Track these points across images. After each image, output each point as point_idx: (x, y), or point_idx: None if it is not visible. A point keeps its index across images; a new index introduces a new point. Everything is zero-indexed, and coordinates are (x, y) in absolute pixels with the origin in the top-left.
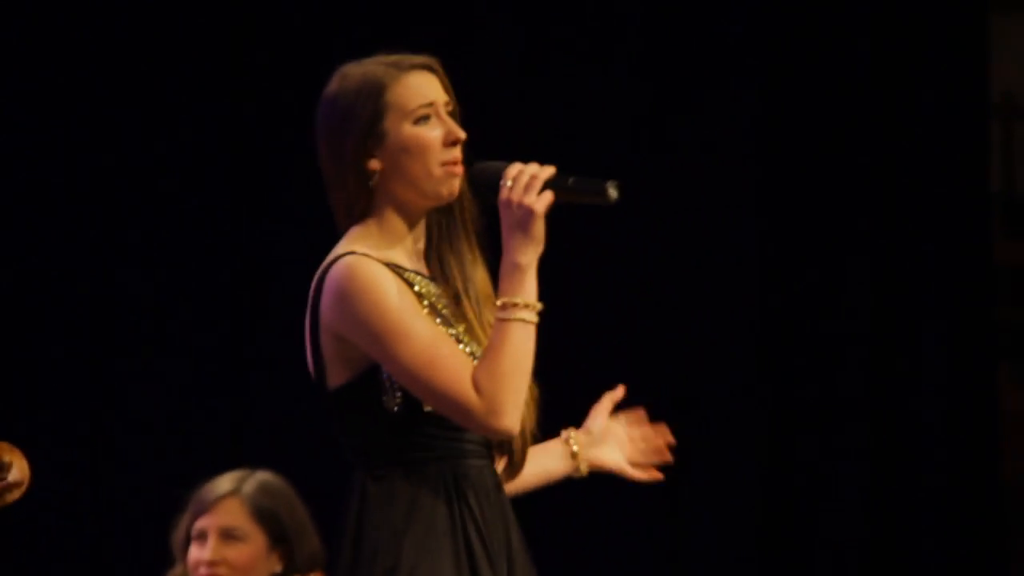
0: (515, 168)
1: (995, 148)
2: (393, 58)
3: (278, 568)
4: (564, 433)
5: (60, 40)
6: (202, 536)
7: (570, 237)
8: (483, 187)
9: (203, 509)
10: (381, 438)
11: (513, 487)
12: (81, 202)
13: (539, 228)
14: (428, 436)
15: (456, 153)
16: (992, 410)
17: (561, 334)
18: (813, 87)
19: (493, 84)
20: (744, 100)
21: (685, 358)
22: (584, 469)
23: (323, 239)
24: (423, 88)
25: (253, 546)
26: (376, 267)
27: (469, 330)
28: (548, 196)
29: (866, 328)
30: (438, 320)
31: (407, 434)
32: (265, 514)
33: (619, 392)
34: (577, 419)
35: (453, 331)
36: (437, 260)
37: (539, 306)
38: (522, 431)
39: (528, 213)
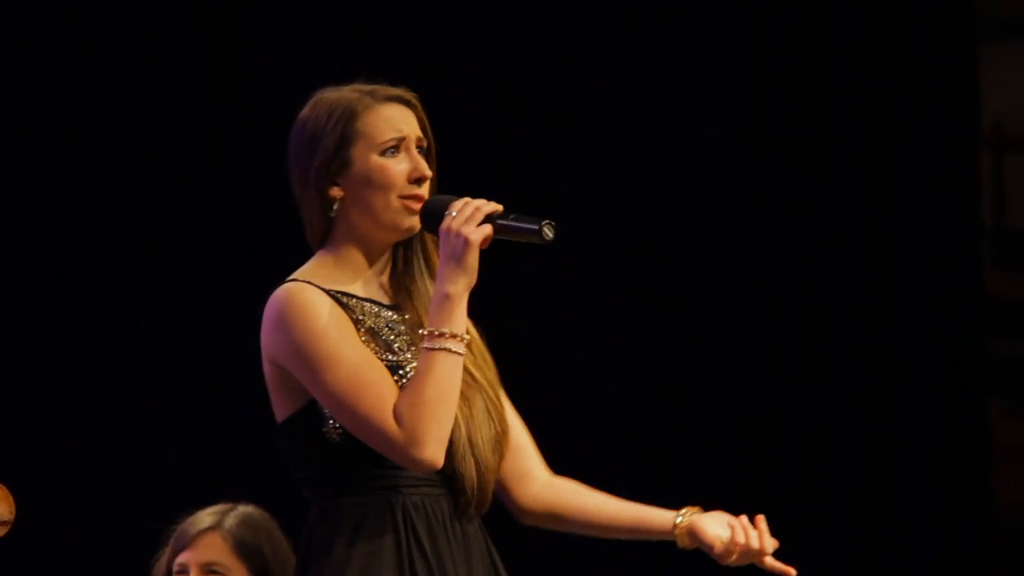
0: (461, 201)
1: (985, 179)
2: (370, 87)
3: None
4: (684, 516)
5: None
6: (183, 571)
7: (555, 251)
8: (430, 218)
9: (184, 544)
10: (326, 468)
11: (596, 526)
12: (54, 229)
13: (472, 258)
14: (372, 465)
15: (419, 190)
16: (982, 444)
17: (545, 348)
18: (801, 115)
19: (474, 92)
20: (731, 125)
21: (669, 375)
22: (683, 534)
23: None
24: (395, 120)
25: None
26: (310, 293)
27: None
28: (486, 229)
29: (853, 361)
30: (380, 349)
31: (351, 465)
32: (247, 549)
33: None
34: (560, 427)
35: (397, 359)
36: (405, 291)
37: (467, 337)
38: (482, 468)
39: (463, 242)
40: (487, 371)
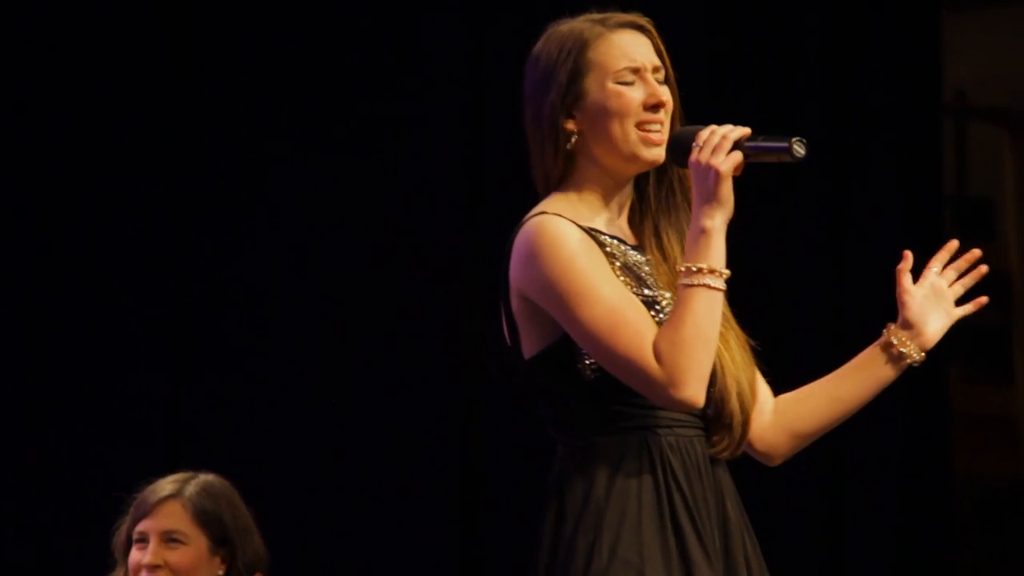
0: (707, 130)
1: (948, 148)
2: (602, 15)
3: (220, 571)
4: (885, 333)
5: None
6: (143, 539)
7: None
8: (677, 152)
9: (144, 512)
10: (579, 407)
11: (829, 413)
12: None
13: (725, 190)
14: (629, 404)
15: (657, 116)
16: (944, 410)
17: None
18: (763, 84)
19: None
20: None
21: None
22: (920, 357)
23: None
24: (628, 48)
25: (195, 549)
26: (564, 225)
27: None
28: (736, 156)
29: (816, 327)
30: (634, 284)
31: (606, 403)
32: (207, 517)
33: (908, 261)
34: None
35: (653, 294)
36: (653, 229)
37: (726, 272)
38: (745, 409)
39: (714, 174)
40: (727, 311)
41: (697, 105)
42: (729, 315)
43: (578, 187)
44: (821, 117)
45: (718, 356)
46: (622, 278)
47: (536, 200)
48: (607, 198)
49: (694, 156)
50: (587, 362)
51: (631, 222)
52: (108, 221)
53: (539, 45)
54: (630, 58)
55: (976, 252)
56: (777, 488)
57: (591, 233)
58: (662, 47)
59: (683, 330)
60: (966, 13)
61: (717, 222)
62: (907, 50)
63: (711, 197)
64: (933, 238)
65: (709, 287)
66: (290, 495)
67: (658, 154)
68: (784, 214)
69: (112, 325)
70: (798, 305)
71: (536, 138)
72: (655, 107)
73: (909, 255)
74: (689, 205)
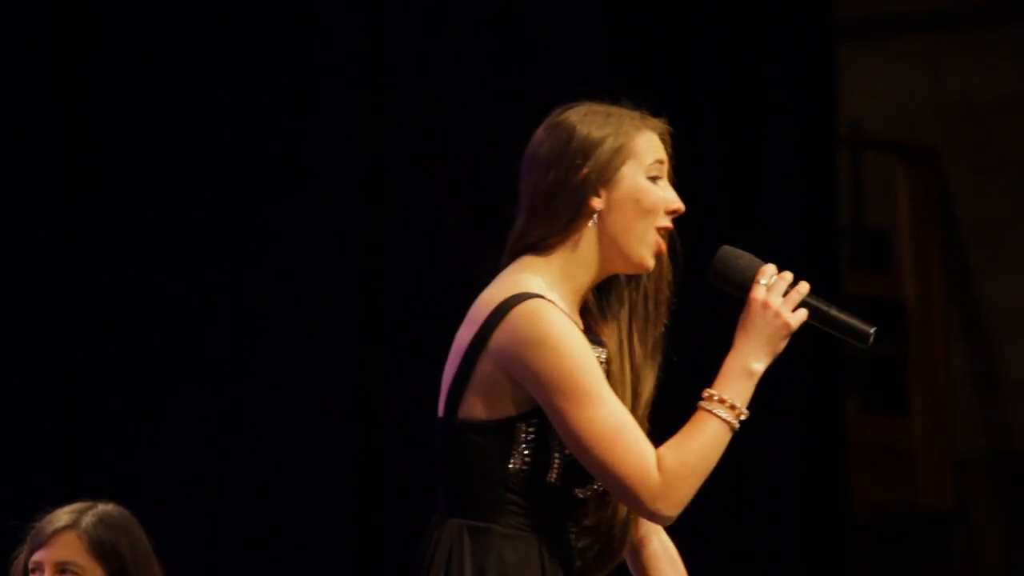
0: (772, 268)
1: (844, 178)
2: (638, 112)
3: None
4: None
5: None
6: (38, 570)
7: None
8: (728, 273)
9: (40, 542)
10: (489, 490)
11: None
12: None
13: (784, 343)
14: (537, 505)
15: (669, 224)
16: (841, 441)
17: None
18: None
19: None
20: None
21: None
22: None
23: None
24: (660, 149)
25: None
26: (565, 320)
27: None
28: (803, 314)
29: (715, 357)
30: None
31: (519, 497)
32: (103, 548)
33: None
34: None
35: None
36: (620, 329)
37: (747, 414)
38: (626, 523)
39: (783, 326)
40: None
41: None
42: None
43: (563, 264)
44: (717, 147)
45: None
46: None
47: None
48: (585, 286)
49: (760, 294)
50: (525, 455)
51: (585, 317)
52: None
53: (575, 116)
54: (661, 160)
55: None
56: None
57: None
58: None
59: (692, 453)
60: (861, 45)
61: (763, 367)
62: (803, 82)
63: (771, 345)
64: (830, 268)
65: (729, 424)
66: (191, 522)
67: (652, 266)
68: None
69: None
70: (697, 338)
71: (549, 202)
72: (673, 213)
73: None
74: (658, 315)
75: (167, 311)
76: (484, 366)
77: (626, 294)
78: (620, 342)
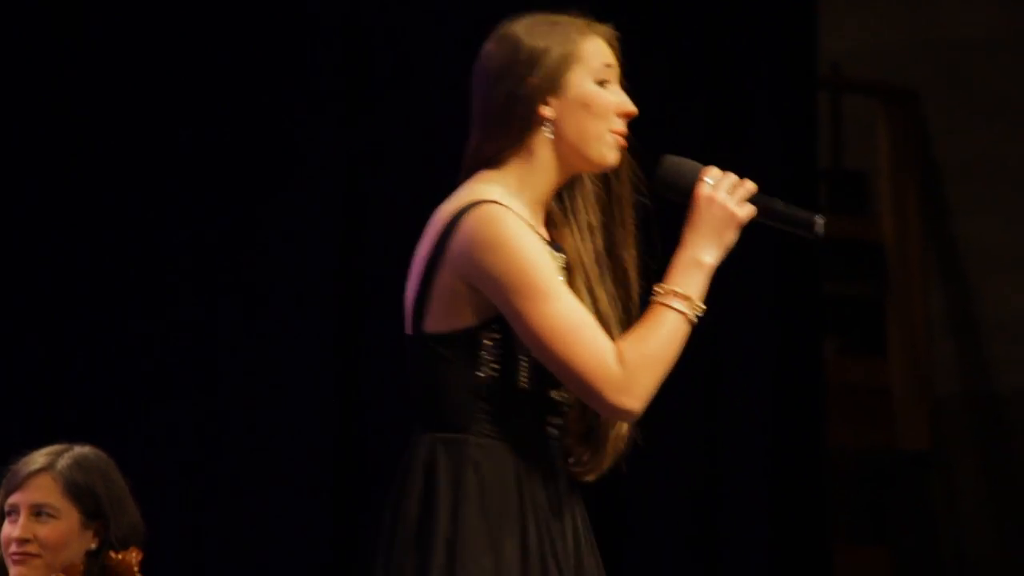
0: (716, 170)
1: (823, 120)
2: (583, 19)
3: (93, 544)
4: None
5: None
6: (14, 512)
7: None
8: (671, 179)
9: (15, 485)
10: (461, 401)
11: None
12: None
13: (732, 235)
14: (510, 412)
15: (624, 127)
16: (819, 382)
17: None
18: (638, 58)
19: None
20: None
21: None
22: None
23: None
24: (611, 56)
25: (65, 523)
26: (515, 219)
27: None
28: (751, 209)
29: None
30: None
31: (490, 405)
32: (78, 490)
33: None
34: None
35: None
36: (574, 228)
37: (703, 308)
38: (624, 436)
39: (730, 217)
40: None
41: None
42: None
43: (523, 175)
44: (696, 90)
45: None
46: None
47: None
48: (546, 192)
49: (706, 191)
50: (492, 364)
51: (547, 219)
52: None
53: (520, 28)
54: (610, 63)
55: None
56: (651, 458)
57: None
58: (622, 62)
59: (651, 344)
60: None
61: (714, 260)
62: (783, 23)
63: (719, 237)
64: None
65: (685, 316)
66: (170, 467)
67: (618, 159)
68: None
69: None
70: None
71: (499, 115)
72: (626, 116)
73: None
74: (624, 217)
75: (152, 306)
76: (443, 277)
77: (593, 198)
78: (580, 247)
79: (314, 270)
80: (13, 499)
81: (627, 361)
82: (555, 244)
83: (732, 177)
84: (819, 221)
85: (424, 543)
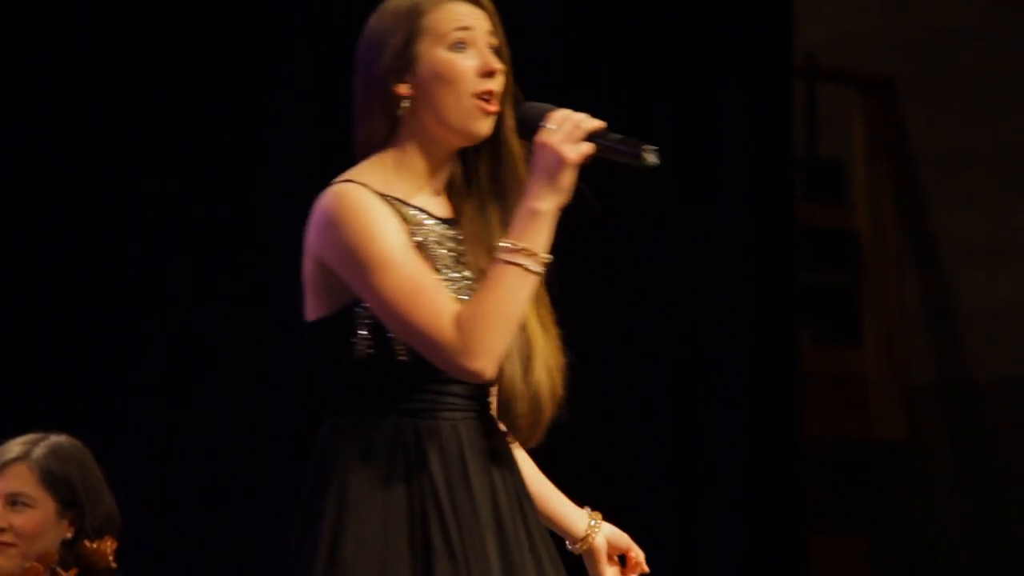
0: (561, 113)
1: (798, 109)
2: None
3: (68, 534)
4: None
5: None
6: None
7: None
8: (524, 126)
9: None
10: (346, 382)
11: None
12: None
13: (567, 178)
14: (395, 387)
15: (491, 86)
16: (794, 372)
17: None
18: (613, 47)
19: None
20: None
21: None
22: (585, 549)
23: None
24: (463, 16)
25: (41, 512)
26: (366, 195)
27: (480, 279)
28: (586, 147)
29: (668, 287)
30: (433, 260)
31: (372, 382)
32: (54, 479)
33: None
34: None
35: (454, 274)
36: (477, 206)
37: (547, 258)
38: (538, 397)
39: (559, 160)
40: (542, 303)
41: (547, 69)
42: (544, 305)
43: (398, 155)
44: (671, 78)
45: (531, 342)
46: (423, 254)
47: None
48: (427, 168)
49: (542, 136)
50: (363, 335)
51: (452, 195)
52: None
53: (374, 15)
54: (464, 25)
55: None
56: (628, 448)
57: (394, 203)
58: (498, 22)
59: (487, 303)
60: None
61: (551, 206)
62: (759, 11)
63: (552, 182)
64: (783, 199)
65: (525, 268)
66: (145, 456)
67: (488, 127)
68: (631, 179)
69: None
70: (649, 270)
71: (364, 102)
72: (489, 74)
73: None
74: (515, 181)
75: (151, 307)
76: (308, 264)
77: (483, 167)
78: (476, 215)
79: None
80: None
81: (462, 322)
82: (450, 220)
83: (574, 118)
84: (648, 149)
85: (314, 527)
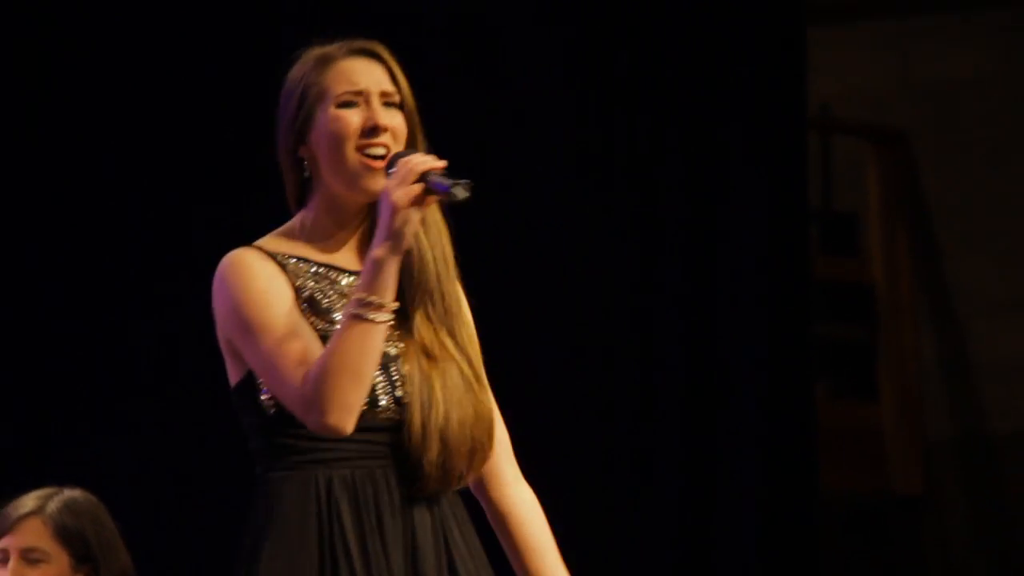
0: (405, 157)
1: (813, 161)
2: (340, 43)
3: None
4: None
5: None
6: (4, 557)
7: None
8: (388, 176)
9: (5, 529)
10: (261, 441)
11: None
12: None
13: (396, 221)
14: (302, 439)
15: (375, 140)
16: (810, 426)
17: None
18: (625, 97)
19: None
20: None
21: None
22: None
23: None
24: (356, 73)
25: (56, 567)
26: (249, 257)
27: (400, 337)
28: (413, 190)
29: (683, 341)
30: (318, 316)
31: (281, 437)
32: (68, 534)
33: None
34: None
35: (335, 326)
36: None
37: (391, 304)
38: (449, 446)
39: (390, 204)
40: (469, 348)
41: (558, 120)
42: (475, 355)
43: (308, 215)
44: (686, 131)
45: (422, 388)
46: (306, 311)
47: None
48: (338, 224)
49: (384, 183)
50: (265, 397)
51: (363, 247)
52: None
53: (287, 74)
54: (352, 82)
55: None
56: (640, 508)
57: (286, 262)
58: (398, 73)
59: (332, 358)
60: (831, 28)
61: (383, 252)
62: (772, 64)
63: (387, 227)
64: (798, 252)
65: (362, 318)
66: (159, 509)
67: (382, 182)
68: (649, 228)
69: None
70: (665, 318)
71: (281, 165)
72: (372, 130)
73: None
74: (431, 234)
75: (152, 307)
76: (219, 335)
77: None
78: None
79: None
80: (3, 543)
81: (308, 379)
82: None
83: (412, 160)
84: (458, 184)
85: None
